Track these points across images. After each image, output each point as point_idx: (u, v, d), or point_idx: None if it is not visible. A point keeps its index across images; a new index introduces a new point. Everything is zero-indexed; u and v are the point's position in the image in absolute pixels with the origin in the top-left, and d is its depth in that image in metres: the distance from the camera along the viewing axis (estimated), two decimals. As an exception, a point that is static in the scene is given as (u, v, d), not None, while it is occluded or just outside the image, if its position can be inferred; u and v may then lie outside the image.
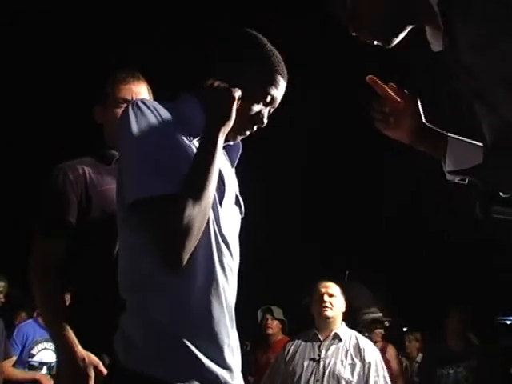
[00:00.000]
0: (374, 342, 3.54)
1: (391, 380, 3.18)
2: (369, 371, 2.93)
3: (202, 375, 1.19)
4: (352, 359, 2.97)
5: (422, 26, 1.27)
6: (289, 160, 7.63)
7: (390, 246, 8.06)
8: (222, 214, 1.26)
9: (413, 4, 1.22)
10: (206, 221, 1.19)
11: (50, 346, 4.25)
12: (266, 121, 1.37)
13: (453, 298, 6.01)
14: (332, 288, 3.18)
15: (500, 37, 1.05)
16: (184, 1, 6.05)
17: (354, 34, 1.29)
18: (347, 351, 3.00)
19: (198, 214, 1.15)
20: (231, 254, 1.28)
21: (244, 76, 1.31)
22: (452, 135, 1.32)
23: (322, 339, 3.10)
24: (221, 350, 1.22)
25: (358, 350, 3.00)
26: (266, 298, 5.40)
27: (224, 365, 1.22)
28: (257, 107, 1.33)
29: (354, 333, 3.18)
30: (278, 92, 1.36)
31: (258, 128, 1.38)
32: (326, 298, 3.12)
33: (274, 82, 1.34)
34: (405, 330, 6.08)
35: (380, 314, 4.56)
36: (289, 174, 7.84)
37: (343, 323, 3.19)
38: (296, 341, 3.20)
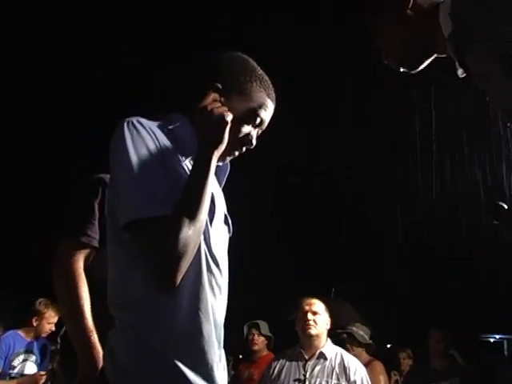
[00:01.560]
0: (355, 356, 3.53)
1: None
2: None
3: None
4: (337, 379, 2.95)
5: (444, 54, 1.36)
6: (273, 176, 7.68)
7: (375, 264, 8.10)
8: (212, 233, 1.28)
9: (434, 38, 1.31)
10: (199, 242, 1.21)
11: (31, 357, 4.23)
12: (254, 142, 1.41)
13: (437, 316, 6.04)
14: (316, 305, 3.18)
15: (494, 77, 1.15)
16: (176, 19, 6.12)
17: (384, 60, 1.42)
18: (332, 370, 2.99)
19: (193, 235, 1.16)
20: (221, 273, 1.29)
21: (235, 99, 1.35)
22: None
23: (306, 358, 3.08)
24: (209, 369, 1.23)
25: (343, 368, 2.99)
26: (250, 312, 5.35)
27: (211, 383, 1.23)
28: (246, 129, 1.37)
29: (339, 350, 3.17)
30: (267, 114, 1.41)
31: (246, 149, 1.42)
32: (309, 316, 3.10)
33: (263, 106, 1.39)
34: (389, 346, 6.09)
35: (360, 332, 4.50)
36: (273, 191, 7.89)
37: (328, 340, 3.18)
38: (281, 359, 3.18)
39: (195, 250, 1.19)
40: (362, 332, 4.28)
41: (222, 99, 1.34)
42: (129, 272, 1.22)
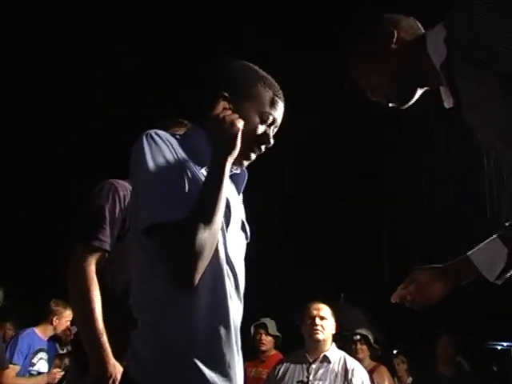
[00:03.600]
0: (360, 360, 3.53)
1: None
2: None
3: None
4: (340, 381, 2.97)
5: (433, 87, 1.36)
6: (283, 182, 7.67)
7: (380, 271, 8.08)
8: (228, 238, 1.34)
9: (422, 70, 1.31)
10: (215, 244, 1.26)
11: (45, 355, 4.39)
12: (272, 141, 1.46)
13: (443, 322, 6.03)
14: (324, 310, 3.19)
15: (486, 102, 1.17)
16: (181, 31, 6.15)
17: (371, 97, 1.40)
18: (336, 374, 3.00)
19: (209, 237, 1.22)
20: (237, 277, 1.35)
21: (244, 104, 1.42)
22: (470, 252, 1.44)
23: (311, 361, 3.10)
24: (227, 367, 1.28)
25: (345, 370, 3.01)
26: (258, 311, 5.26)
27: (230, 381, 1.28)
28: (260, 129, 1.43)
29: (343, 354, 3.18)
30: (278, 112, 1.47)
31: (265, 148, 1.46)
32: (317, 321, 3.12)
33: (271, 104, 1.45)
34: (395, 352, 6.10)
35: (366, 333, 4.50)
36: (285, 195, 7.88)
37: (333, 344, 3.20)
38: (286, 362, 3.21)
39: (212, 252, 1.25)
40: (370, 336, 4.29)
41: (231, 106, 1.40)
42: (149, 275, 1.27)
